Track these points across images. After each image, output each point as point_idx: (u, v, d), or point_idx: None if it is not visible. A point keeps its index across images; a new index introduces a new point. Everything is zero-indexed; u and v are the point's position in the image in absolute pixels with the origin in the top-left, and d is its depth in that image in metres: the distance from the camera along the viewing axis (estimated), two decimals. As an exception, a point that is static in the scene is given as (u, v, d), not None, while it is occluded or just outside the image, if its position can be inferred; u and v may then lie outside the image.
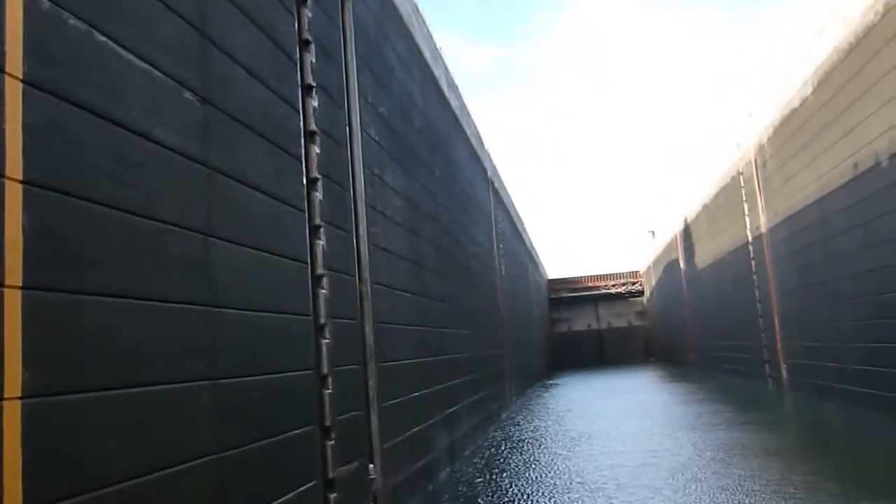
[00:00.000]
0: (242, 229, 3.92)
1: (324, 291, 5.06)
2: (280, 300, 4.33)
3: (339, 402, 5.17)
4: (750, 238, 17.21)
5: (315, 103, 5.27)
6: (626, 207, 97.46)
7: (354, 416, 5.57)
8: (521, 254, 25.37)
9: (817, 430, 10.51)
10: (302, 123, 5.04)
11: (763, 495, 6.32)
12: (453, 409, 9.42)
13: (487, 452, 10.03)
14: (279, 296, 4.33)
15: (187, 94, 3.51)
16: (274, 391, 4.14)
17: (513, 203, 23.85)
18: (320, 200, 5.17)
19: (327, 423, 4.89)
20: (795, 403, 13.55)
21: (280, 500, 4.04)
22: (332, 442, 4.93)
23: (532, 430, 12.28)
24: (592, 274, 44.84)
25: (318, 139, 5.26)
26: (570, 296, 43.67)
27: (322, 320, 4.99)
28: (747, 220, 17.32)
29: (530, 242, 30.76)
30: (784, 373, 15.28)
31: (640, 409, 14.19)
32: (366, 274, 6.19)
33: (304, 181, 4.97)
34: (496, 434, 12.01)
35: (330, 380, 4.99)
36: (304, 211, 4.90)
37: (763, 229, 15.99)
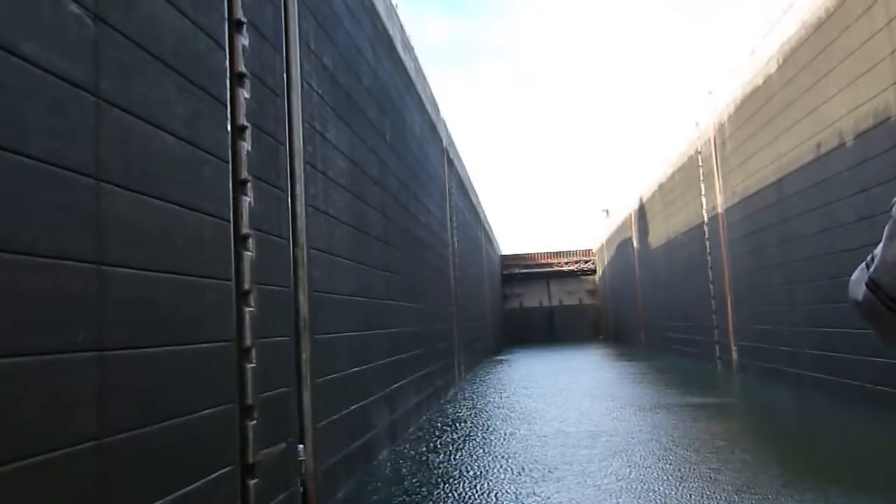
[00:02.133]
0: (144, 176, 3.34)
1: (249, 254, 4.50)
2: (192, 261, 3.77)
3: (265, 377, 4.64)
4: (706, 218, 17.04)
5: (245, 41, 4.67)
6: (581, 186, 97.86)
7: (283, 392, 5.05)
8: (476, 228, 24.95)
9: (767, 414, 10.34)
10: (228, 63, 4.44)
11: (704, 481, 6.02)
12: (397, 385, 8.96)
13: (431, 430, 9.62)
14: (192, 256, 3.76)
15: (73, 7, 2.90)
16: (181, 365, 3.59)
17: (468, 176, 23.36)
18: (248, 152, 4.59)
19: (249, 402, 4.36)
20: (745, 386, 13.45)
21: (184, 491, 3.51)
22: (255, 422, 4.41)
23: (478, 408, 11.92)
24: (546, 251, 44.79)
25: (247, 83, 4.66)
26: (523, 272, 43.56)
27: (246, 286, 4.44)
28: (703, 199, 17.14)
29: (485, 217, 30.36)
30: (734, 355, 15.20)
31: (587, 387, 13.95)
32: (302, 238, 5.63)
33: (229, 128, 4.38)
34: (443, 410, 11.61)
35: (253, 353, 4.46)
36: (227, 162, 4.32)
37: (719, 209, 15.81)
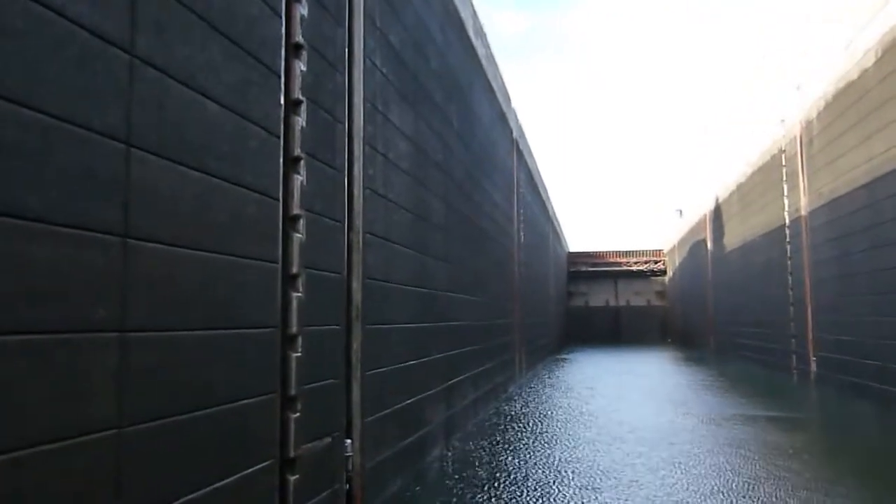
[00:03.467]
0: (181, 144, 3.09)
1: (299, 235, 4.24)
2: (233, 239, 3.51)
3: (310, 367, 4.39)
4: (787, 221, 16.14)
5: (304, 10, 4.39)
6: (654, 185, 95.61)
7: (331, 384, 4.79)
8: (543, 222, 24.43)
9: (861, 433, 9.61)
10: (284, 31, 4.17)
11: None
12: (454, 380, 8.64)
13: (488, 428, 9.28)
14: (233, 234, 3.51)
15: (108, -43, 2.66)
16: (217, 351, 3.35)
17: (538, 169, 22.85)
18: (302, 127, 4.33)
19: (292, 392, 4.11)
20: (828, 400, 12.64)
21: (217, 486, 3.27)
22: (298, 414, 4.15)
23: (537, 408, 11.51)
24: (614, 250, 43.80)
25: (304, 55, 4.39)
26: (590, 270, 42.69)
27: (294, 269, 4.18)
28: (786, 201, 16.24)
29: (553, 212, 29.76)
30: (813, 366, 14.34)
31: (655, 392, 13.36)
32: (357, 221, 5.36)
33: (282, 101, 4.12)
34: (501, 408, 11.26)
35: (299, 340, 4.20)
36: (279, 137, 4.06)
37: (803, 212, 14.92)
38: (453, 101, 9.14)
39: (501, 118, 14.18)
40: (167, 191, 2.98)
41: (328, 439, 4.69)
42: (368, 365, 5.49)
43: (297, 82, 4.28)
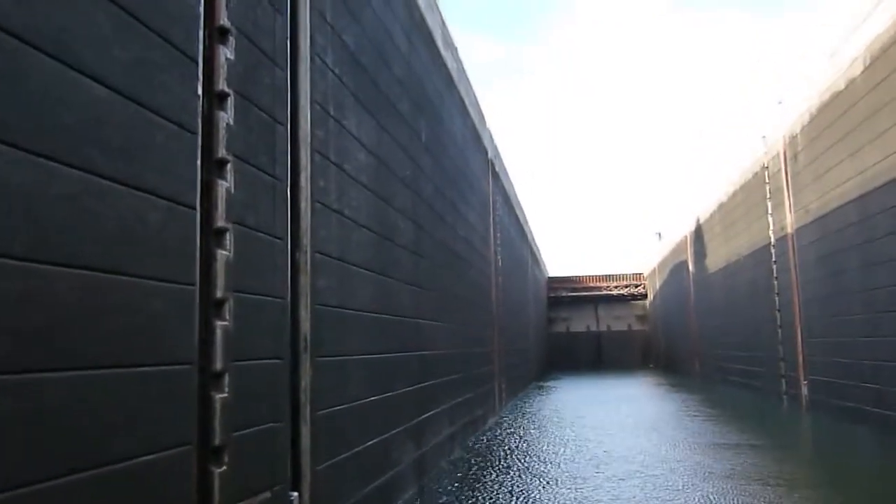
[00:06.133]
0: (49, 133, 2.41)
1: (225, 253, 3.54)
2: (126, 255, 2.82)
3: (243, 410, 3.67)
4: (773, 240, 15.65)
5: (230, -10, 3.75)
6: (633, 208, 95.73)
7: (271, 428, 4.06)
8: (521, 246, 23.83)
9: (863, 463, 8.97)
10: (203, 10, 3.51)
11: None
12: (426, 415, 7.91)
13: (465, 466, 8.54)
14: (126, 248, 2.82)
15: None
16: (105, 395, 2.64)
17: (515, 192, 22.30)
18: (229, 125, 3.65)
19: (216, 442, 3.38)
20: (821, 427, 12.02)
21: (98, 570, 2.53)
22: (223, 468, 3.42)
23: (520, 442, 10.77)
24: (594, 274, 43.35)
25: (231, 41, 3.73)
26: (570, 295, 42.17)
27: (219, 293, 3.48)
28: (770, 219, 15.76)
29: (532, 236, 29.21)
30: (804, 390, 13.73)
31: (642, 423, 12.67)
32: (305, 239, 4.67)
33: (200, 92, 3.45)
34: (480, 443, 10.51)
35: (226, 379, 3.49)
36: (195, 133, 3.38)
37: (789, 230, 14.43)
38: (422, 115, 8.52)
39: (475, 137, 13.60)
40: (28, 190, 2.28)
41: (266, 494, 3.96)
42: (320, 403, 4.77)
43: (221, 71, 3.61)
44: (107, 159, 2.70)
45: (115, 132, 2.77)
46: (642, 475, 7.65)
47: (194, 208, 3.33)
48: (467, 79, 12.66)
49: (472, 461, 8.96)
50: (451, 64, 10.85)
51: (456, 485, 7.47)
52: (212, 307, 3.45)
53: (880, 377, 10.33)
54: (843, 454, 9.34)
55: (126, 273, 2.79)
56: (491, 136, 16.17)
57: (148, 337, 2.93)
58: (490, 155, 15.77)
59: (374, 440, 5.94)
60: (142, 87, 2.95)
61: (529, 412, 15.29)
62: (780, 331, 15.24)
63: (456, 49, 11.54)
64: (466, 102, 12.39)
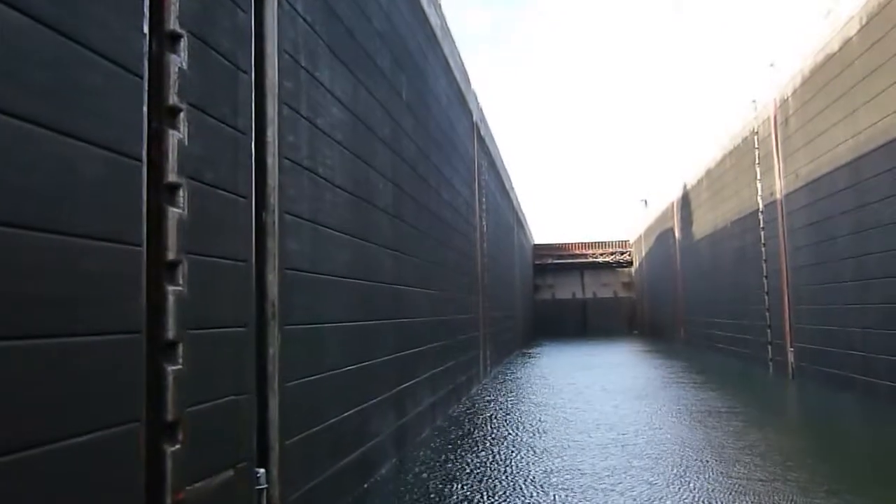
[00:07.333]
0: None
1: (177, 210, 3.21)
2: (59, 211, 2.49)
3: (200, 382, 3.37)
4: (761, 206, 15.41)
5: (181, -83, 3.36)
6: (620, 175, 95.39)
7: (234, 401, 3.77)
8: (508, 213, 23.52)
9: (850, 432, 8.82)
10: (148, -63, 3.13)
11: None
12: (407, 384, 7.66)
13: (448, 435, 8.32)
14: (58, 203, 2.48)
15: None
16: (35, 369, 2.32)
17: (501, 157, 21.92)
18: (181, 69, 3.29)
19: (169, 418, 3.09)
20: (808, 395, 11.90)
21: (24, 565, 2.24)
22: (177, 446, 3.14)
23: (503, 408, 10.58)
24: (580, 241, 43.16)
25: (184, -25, 3.36)
26: (556, 262, 41.98)
27: (171, 255, 3.15)
28: (759, 185, 15.52)
29: (518, 203, 28.88)
30: (791, 357, 13.61)
31: (627, 389, 12.51)
32: (272, 198, 4.34)
33: (146, 30, 3.09)
34: (463, 410, 10.31)
35: (180, 349, 3.18)
36: (140, 76, 3.02)
37: (778, 195, 14.19)
38: (403, 71, 8.13)
39: (460, 98, 13.19)
40: None
41: (230, 472, 3.68)
42: (290, 374, 4.49)
43: (172, 8, 3.24)
44: (28, 99, 2.35)
45: (39, 69, 2.41)
46: (623, 444, 7.46)
47: (139, 160, 2.99)
48: (451, 38, 12.22)
49: (455, 429, 8.74)
50: (434, 20, 10.42)
51: (438, 454, 7.25)
52: (163, 270, 3.13)
53: (868, 344, 10.18)
54: (825, 421, 9.20)
55: (56, 231, 2.46)
56: (476, 99, 15.76)
57: (86, 302, 2.61)
58: (475, 118, 15.38)
59: (351, 411, 5.68)
60: (72, 20, 2.59)
61: (513, 380, 15.12)
62: (767, 298, 15.08)
63: (439, 5, 11.09)
64: (451, 63, 11.98)
